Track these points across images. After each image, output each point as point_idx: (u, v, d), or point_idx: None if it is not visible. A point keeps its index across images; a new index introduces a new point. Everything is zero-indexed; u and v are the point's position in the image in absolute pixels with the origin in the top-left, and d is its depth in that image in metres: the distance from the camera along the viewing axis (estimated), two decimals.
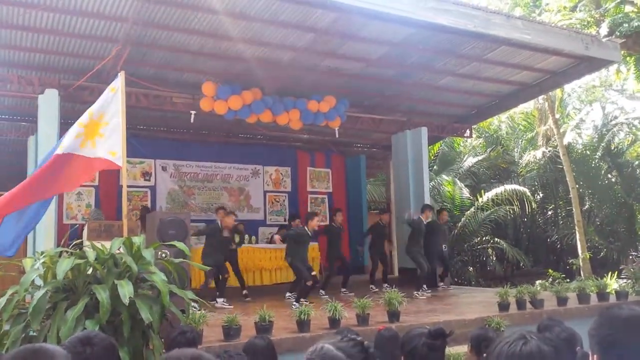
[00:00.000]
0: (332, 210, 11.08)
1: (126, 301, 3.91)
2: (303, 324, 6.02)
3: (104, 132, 5.01)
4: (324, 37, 8.31)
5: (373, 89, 10.89)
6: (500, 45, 9.11)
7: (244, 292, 9.57)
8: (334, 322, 6.15)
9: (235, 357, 2.96)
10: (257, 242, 11.48)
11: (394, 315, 6.67)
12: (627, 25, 12.03)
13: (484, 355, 3.67)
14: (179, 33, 8.07)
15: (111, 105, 5.09)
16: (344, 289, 10.12)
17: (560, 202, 18.51)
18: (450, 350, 5.26)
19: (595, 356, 1.81)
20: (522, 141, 19.96)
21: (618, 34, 11.69)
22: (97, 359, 2.30)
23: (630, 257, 11.87)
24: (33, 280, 4.45)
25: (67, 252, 4.54)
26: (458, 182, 17.57)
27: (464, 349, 5.44)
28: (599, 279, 9.36)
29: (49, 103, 8.34)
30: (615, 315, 1.86)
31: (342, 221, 10.81)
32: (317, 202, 13.80)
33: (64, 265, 4.07)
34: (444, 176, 17.60)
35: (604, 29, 12.09)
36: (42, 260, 4.42)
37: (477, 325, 6.30)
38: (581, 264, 15.13)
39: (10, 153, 11.60)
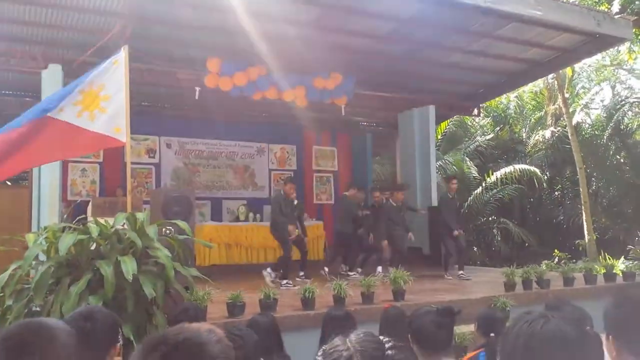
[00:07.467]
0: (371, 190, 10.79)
1: (129, 277, 3.88)
2: (308, 302, 5.99)
3: (105, 106, 4.91)
4: (330, 12, 8.15)
5: (380, 66, 10.73)
6: (511, 21, 8.94)
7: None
8: (338, 300, 6.12)
9: (244, 331, 2.91)
10: (261, 220, 11.45)
11: (399, 294, 6.64)
12: (638, 2, 11.79)
13: (491, 335, 3.63)
14: (183, 7, 7.94)
15: (114, 79, 4.99)
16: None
17: (567, 183, 18.38)
18: (455, 329, 5.23)
19: (610, 337, 1.74)
20: (530, 120, 19.77)
21: (629, 11, 11.46)
22: (99, 335, 2.26)
23: (637, 238, 11.78)
24: (37, 256, 4.43)
25: (70, 227, 4.51)
26: (467, 160, 17.43)
27: (468, 328, 5.40)
28: (609, 258, 9.30)
29: (52, 78, 8.27)
30: (632, 296, 1.79)
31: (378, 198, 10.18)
32: (323, 180, 13.73)
33: (67, 241, 4.04)
34: (449, 157, 17.44)
35: (615, 7, 11.84)
36: (45, 236, 4.39)
37: (482, 305, 6.28)
38: (587, 244, 15.07)
39: None
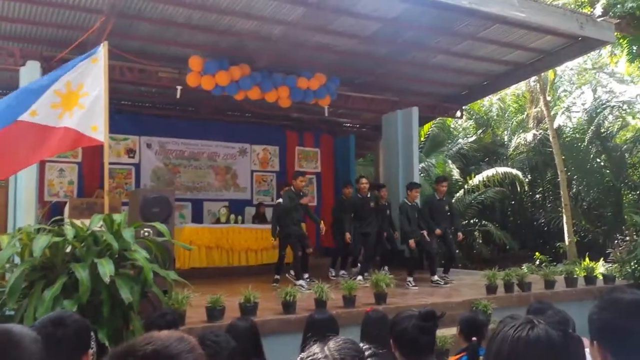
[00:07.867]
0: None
1: (107, 280, 3.78)
2: (288, 306, 5.92)
3: (83, 102, 4.79)
4: (315, 11, 8.09)
5: (365, 67, 10.70)
6: (495, 23, 8.96)
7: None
8: (320, 303, 6.06)
9: (221, 336, 2.82)
10: (243, 222, 11.33)
11: (380, 297, 6.59)
12: (620, 6, 11.90)
13: (474, 339, 3.59)
14: (165, 4, 7.82)
15: (92, 76, 4.87)
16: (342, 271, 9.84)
17: (548, 185, 18.55)
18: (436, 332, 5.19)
19: (595, 342, 1.70)
20: (512, 123, 19.92)
21: (612, 14, 11.56)
22: (69, 341, 2.17)
23: (617, 241, 11.88)
24: (11, 259, 4.30)
25: (45, 229, 4.39)
26: (450, 162, 17.49)
27: (450, 331, 5.37)
28: (590, 261, 9.34)
29: (30, 75, 8.06)
30: (617, 299, 1.75)
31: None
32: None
33: (41, 243, 3.93)
34: (431, 159, 17.48)
35: (598, 10, 11.96)
36: (18, 238, 4.27)
37: (464, 308, 6.26)
38: (567, 247, 15.19)
39: None
